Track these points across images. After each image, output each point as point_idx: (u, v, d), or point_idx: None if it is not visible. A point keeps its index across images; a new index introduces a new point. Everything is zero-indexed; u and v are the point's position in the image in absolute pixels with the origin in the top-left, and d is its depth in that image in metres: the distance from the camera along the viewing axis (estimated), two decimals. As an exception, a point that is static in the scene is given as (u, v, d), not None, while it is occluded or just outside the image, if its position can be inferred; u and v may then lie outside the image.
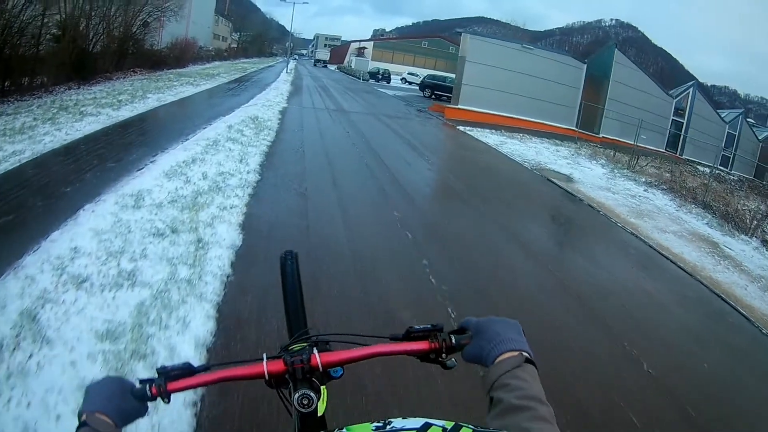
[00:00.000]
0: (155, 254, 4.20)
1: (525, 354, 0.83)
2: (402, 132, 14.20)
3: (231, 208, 5.57)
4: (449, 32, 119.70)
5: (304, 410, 0.88)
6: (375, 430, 0.69)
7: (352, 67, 61.04)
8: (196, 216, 5.17)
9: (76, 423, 0.78)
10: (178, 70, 30.91)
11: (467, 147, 13.92)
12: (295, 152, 9.28)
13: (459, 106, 20.45)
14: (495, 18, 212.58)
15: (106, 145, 8.38)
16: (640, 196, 11.17)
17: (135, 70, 25.31)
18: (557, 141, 17.94)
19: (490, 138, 15.85)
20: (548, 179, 10.98)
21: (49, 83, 15.62)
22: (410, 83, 52.13)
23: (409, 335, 0.95)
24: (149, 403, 0.89)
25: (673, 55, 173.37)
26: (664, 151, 23.48)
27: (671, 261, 6.96)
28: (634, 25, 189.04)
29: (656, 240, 7.84)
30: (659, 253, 7.22)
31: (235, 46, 76.44)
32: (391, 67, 57.26)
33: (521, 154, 13.74)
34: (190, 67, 35.94)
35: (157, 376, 0.89)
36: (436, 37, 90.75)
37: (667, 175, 15.07)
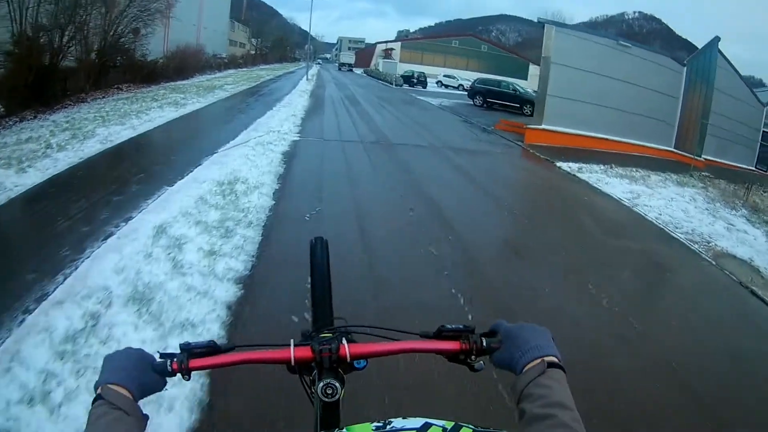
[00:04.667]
0: None
1: (548, 359, 0.80)
2: (488, 185, 8.41)
3: None
4: (473, 30, 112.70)
5: (327, 399, 0.87)
6: (375, 430, 0.69)
7: (380, 70, 55.74)
8: None
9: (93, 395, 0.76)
10: (177, 82, 25.96)
11: (599, 212, 7.92)
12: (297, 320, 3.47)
13: (543, 127, 14.47)
14: (518, 15, 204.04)
15: None
16: None
17: (120, 87, 20.40)
18: (672, 174, 11.85)
19: (615, 186, 9.75)
20: (751, 290, 5.39)
21: (-1, 114, 11.89)
22: (446, 86, 46.44)
23: (441, 334, 0.94)
24: (168, 379, 0.86)
25: (698, 46, 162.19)
26: (754, 169, 19.16)
27: None
28: (657, 16, 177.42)
29: None
30: None
31: (254, 52, 71.57)
32: (421, 69, 51.21)
33: (673, 221, 7.84)
34: (196, 78, 30.91)
35: (179, 351, 0.88)
36: (467, 36, 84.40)
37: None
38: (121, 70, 22.51)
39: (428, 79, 44.78)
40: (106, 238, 4.62)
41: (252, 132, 10.70)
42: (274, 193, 6.37)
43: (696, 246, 6.73)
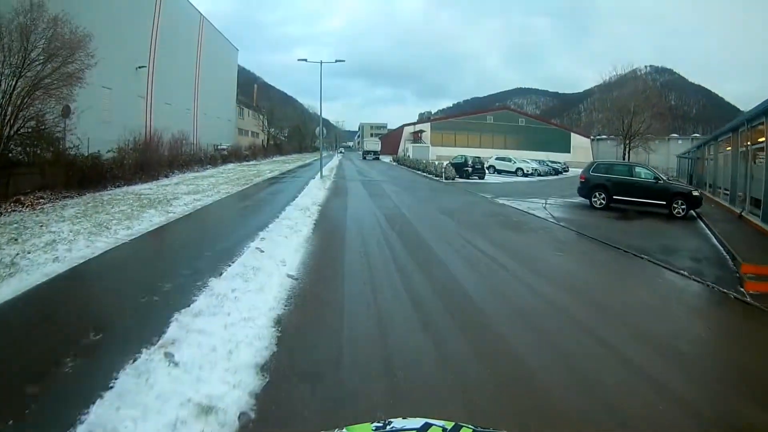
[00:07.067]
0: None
1: None
2: None
3: None
4: (492, 107, 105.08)
5: None
6: (375, 430, 0.67)
7: (410, 156, 46.85)
8: None
9: None
10: (131, 187, 17.08)
11: None
12: None
13: None
14: (533, 87, 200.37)
15: None
16: None
17: (21, 200, 11.51)
18: None
19: None
20: None
21: None
22: (500, 172, 36.32)
23: None
24: None
25: (711, 90, 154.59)
26: None
27: None
28: (669, 68, 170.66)
29: None
30: None
31: (269, 142, 64.04)
32: (455, 151, 42.12)
33: None
34: (168, 178, 21.85)
35: None
36: (502, 110, 76.87)
37: None
38: (38, 169, 13.89)
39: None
40: None
41: None
42: None
43: None
